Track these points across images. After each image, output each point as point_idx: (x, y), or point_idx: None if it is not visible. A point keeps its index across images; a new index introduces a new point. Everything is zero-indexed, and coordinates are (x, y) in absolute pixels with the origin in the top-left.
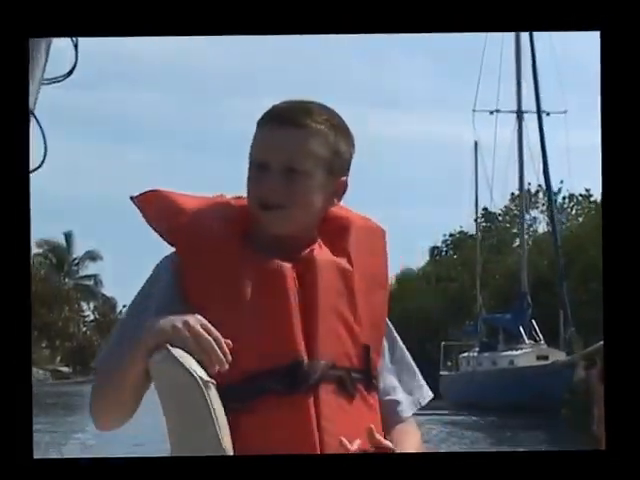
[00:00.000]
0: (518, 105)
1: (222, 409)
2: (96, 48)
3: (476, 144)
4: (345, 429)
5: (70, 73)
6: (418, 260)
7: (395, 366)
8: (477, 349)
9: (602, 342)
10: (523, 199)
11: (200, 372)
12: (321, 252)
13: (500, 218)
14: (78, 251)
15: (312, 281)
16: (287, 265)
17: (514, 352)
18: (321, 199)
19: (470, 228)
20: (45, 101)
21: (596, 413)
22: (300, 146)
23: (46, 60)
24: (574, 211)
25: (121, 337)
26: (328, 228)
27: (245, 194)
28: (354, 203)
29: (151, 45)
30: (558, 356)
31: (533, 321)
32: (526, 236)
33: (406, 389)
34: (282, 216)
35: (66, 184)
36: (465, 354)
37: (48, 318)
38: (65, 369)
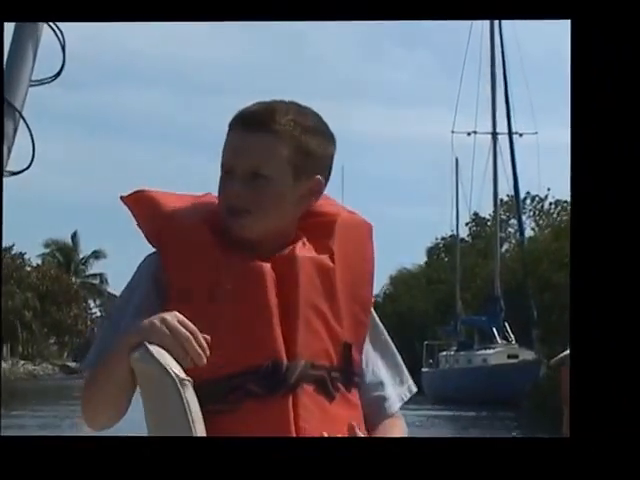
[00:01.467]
0: (493, 127)
1: (198, 408)
2: (89, 46)
3: (457, 161)
4: (325, 429)
5: (58, 74)
6: (415, 260)
7: (382, 361)
8: (455, 348)
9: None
10: (497, 213)
11: (176, 369)
12: (302, 250)
13: (489, 223)
14: (85, 250)
15: (291, 279)
16: (266, 264)
17: (487, 351)
18: (291, 202)
19: (462, 232)
20: (42, 99)
21: (565, 414)
22: (263, 150)
23: (34, 61)
24: (559, 217)
25: (104, 339)
26: (313, 224)
27: None
28: (349, 200)
29: (147, 41)
30: (527, 355)
31: (506, 323)
32: (513, 241)
33: (392, 384)
34: (249, 222)
35: (71, 184)
36: (444, 352)
37: (58, 316)
38: (73, 364)
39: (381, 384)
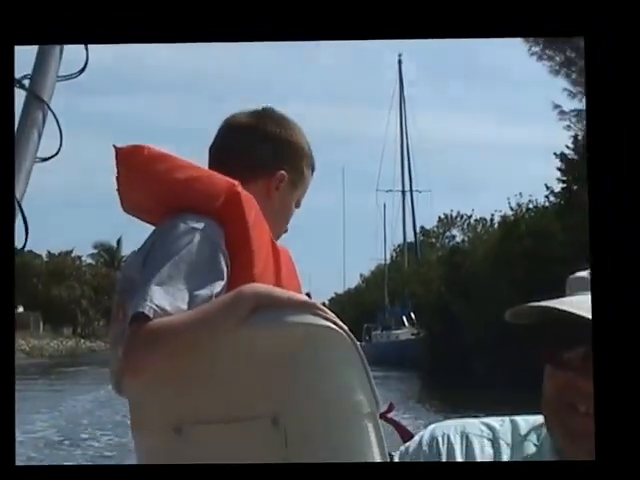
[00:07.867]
0: (402, 186)
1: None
2: (104, 53)
3: (384, 206)
4: None
5: (83, 69)
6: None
7: None
8: (380, 329)
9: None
10: (405, 245)
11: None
12: None
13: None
14: (126, 250)
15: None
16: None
17: (399, 331)
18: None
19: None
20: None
21: (550, 423)
22: None
23: (61, 53)
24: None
25: (185, 282)
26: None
27: None
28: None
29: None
30: None
31: (412, 313)
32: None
33: None
34: None
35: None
36: (374, 332)
37: (108, 303)
38: None
39: None
